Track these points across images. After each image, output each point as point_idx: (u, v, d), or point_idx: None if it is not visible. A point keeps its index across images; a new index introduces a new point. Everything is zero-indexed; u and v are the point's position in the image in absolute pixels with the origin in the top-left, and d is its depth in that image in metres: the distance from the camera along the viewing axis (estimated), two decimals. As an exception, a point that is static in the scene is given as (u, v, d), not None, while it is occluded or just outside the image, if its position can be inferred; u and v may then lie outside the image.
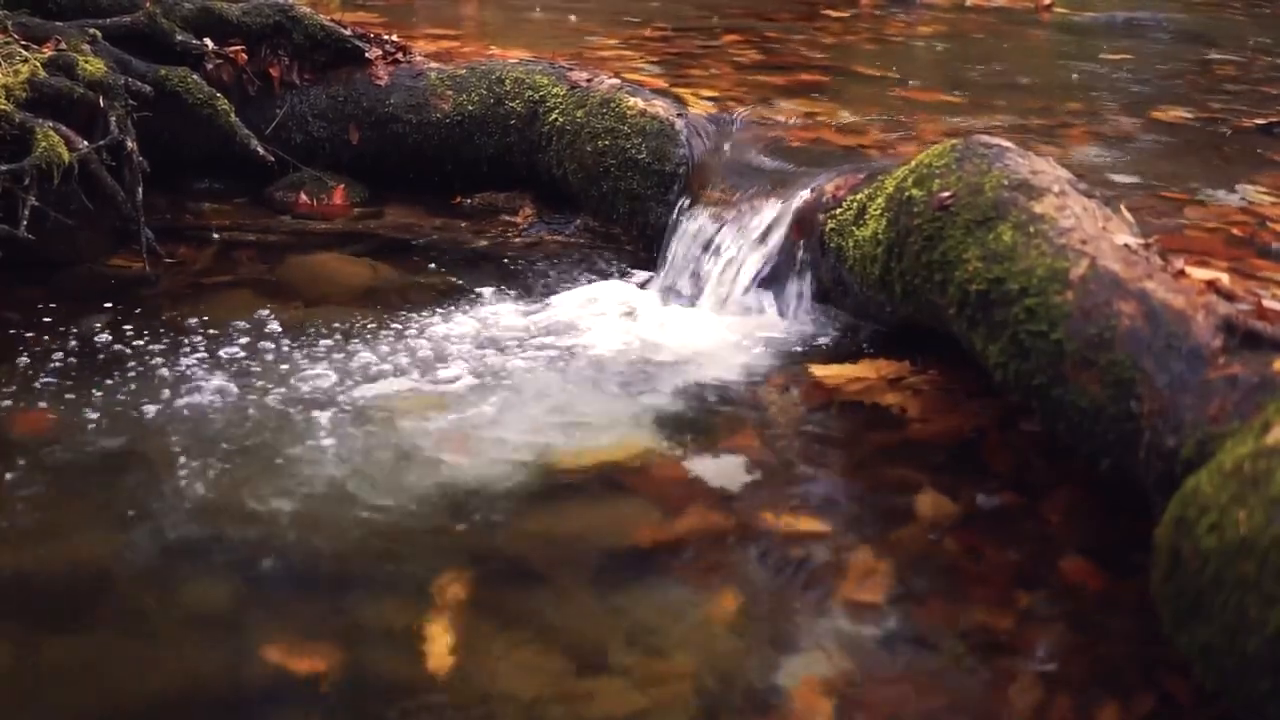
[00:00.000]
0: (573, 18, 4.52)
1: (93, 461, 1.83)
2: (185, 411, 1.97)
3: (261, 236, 2.82)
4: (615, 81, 2.91)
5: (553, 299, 2.50)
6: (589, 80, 2.92)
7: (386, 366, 2.15)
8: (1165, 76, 4.02)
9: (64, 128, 2.47)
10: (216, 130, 2.84)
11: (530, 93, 2.94)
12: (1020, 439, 1.91)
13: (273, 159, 2.90)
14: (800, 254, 2.38)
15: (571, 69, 3.02)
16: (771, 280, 2.41)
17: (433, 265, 2.68)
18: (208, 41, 2.93)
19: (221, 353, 2.18)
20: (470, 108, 2.97)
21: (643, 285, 2.56)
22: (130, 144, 2.59)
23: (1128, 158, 2.82)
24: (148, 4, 2.89)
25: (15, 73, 2.48)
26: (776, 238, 2.41)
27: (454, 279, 2.59)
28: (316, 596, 1.56)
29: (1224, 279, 1.65)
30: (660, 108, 2.78)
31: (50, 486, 1.78)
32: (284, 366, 2.14)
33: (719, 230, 2.51)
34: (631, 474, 1.85)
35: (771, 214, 2.45)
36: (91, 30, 2.76)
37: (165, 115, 2.75)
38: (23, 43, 2.62)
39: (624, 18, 4.53)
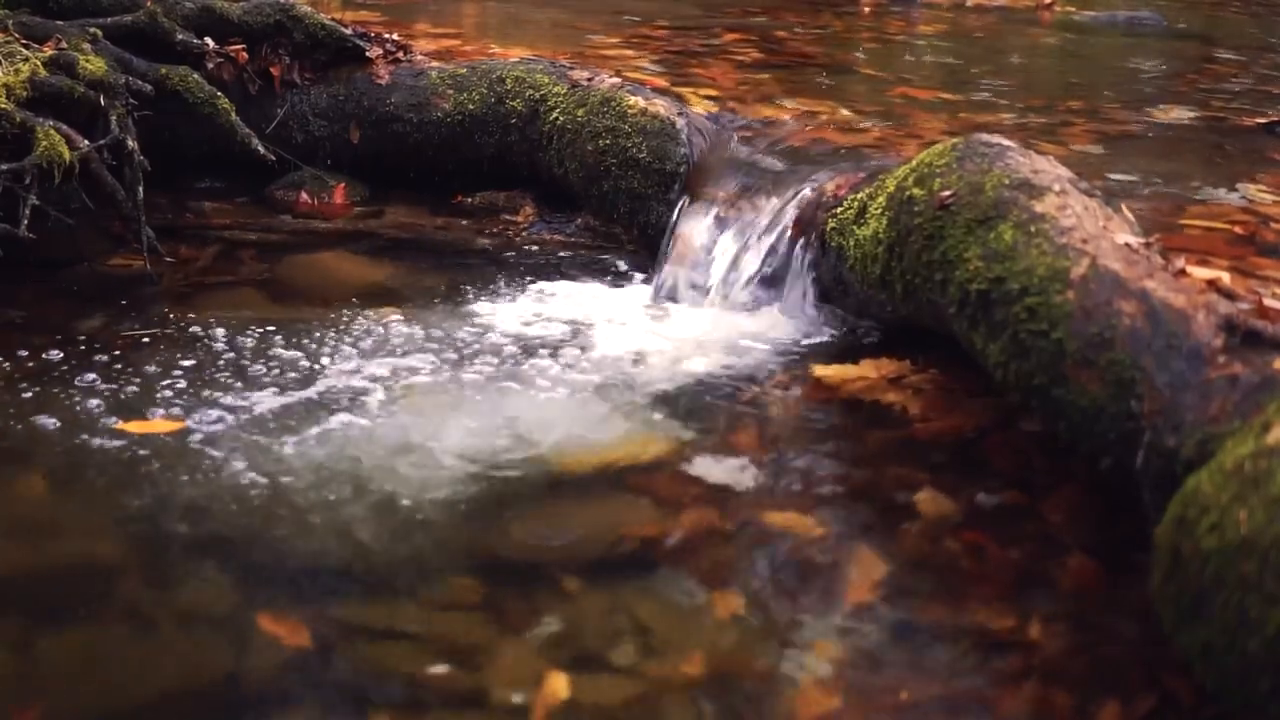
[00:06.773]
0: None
1: (94, 460, 1.82)
2: (184, 409, 1.97)
3: (262, 235, 2.82)
4: (616, 80, 2.91)
5: (553, 298, 2.50)
6: (590, 79, 2.92)
7: (387, 365, 2.15)
8: (1166, 75, 4.02)
9: (65, 127, 2.47)
10: (217, 129, 2.84)
11: (531, 91, 2.94)
12: (1021, 438, 1.91)
13: (273, 158, 2.90)
14: (801, 253, 2.37)
15: (572, 68, 3.01)
16: (772, 279, 2.41)
17: (433, 264, 2.68)
18: (209, 40, 2.93)
19: (222, 351, 2.18)
20: (471, 107, 2.97)
21: (644, 284, 2.56)
22: (131, 143, 2.58)
23: (1129, 156, 2.83)
24: (149, 3, 2.89)
25: (16, 71, 2.48)
26: (777, 237, 2.41)
27: (454, 278, 2.59)
28: (317, 593, 1.56)
29: (1225, 278, 1.65)
30: (661, 107, 2.78)
31: (50, 485, 1.78)
32: (284, 365, 2.14)
33: (720, 229, 2.50)
34: (632, 473, 1.85)
35: (772, 213, 2.45)
36: (92, 29, 2.75)
37: (166, 114, 2.75)
38: (23, 42, 2.62)
39: (625, 16, 4.53)
